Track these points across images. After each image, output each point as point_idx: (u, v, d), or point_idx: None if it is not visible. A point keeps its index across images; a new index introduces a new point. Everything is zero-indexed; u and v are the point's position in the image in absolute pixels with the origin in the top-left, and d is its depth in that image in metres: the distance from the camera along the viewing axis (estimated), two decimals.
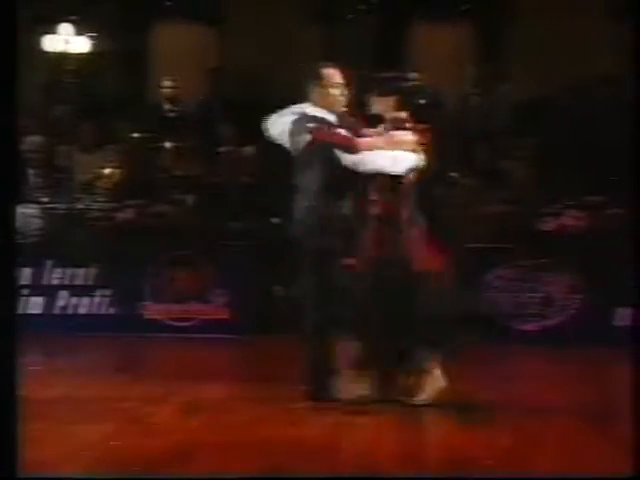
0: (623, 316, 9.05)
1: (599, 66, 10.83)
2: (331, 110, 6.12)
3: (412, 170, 6.13)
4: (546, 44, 11.42)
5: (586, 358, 8.26)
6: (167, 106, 11.29)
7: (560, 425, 5.69)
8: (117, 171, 10.38)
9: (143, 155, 10.62)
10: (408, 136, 6.12)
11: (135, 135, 10.73)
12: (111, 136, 10.93)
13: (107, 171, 10.39)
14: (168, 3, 12.69)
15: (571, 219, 9.45)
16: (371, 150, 6.03)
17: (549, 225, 9.48)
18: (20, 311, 9.74)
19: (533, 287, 9.43)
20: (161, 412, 5.93)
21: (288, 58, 12.00)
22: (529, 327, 9.40)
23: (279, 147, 10.62)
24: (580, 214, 9.45)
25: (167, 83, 11.39)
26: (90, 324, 9.65)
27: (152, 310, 9.72)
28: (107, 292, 9.79)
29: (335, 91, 6.12)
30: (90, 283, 9.82)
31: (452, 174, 10.14)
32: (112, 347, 9.14)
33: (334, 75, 6.14)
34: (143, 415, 5.86)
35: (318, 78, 6.13)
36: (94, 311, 9.81)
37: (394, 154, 6.03)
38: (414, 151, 6.11)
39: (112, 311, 9.79)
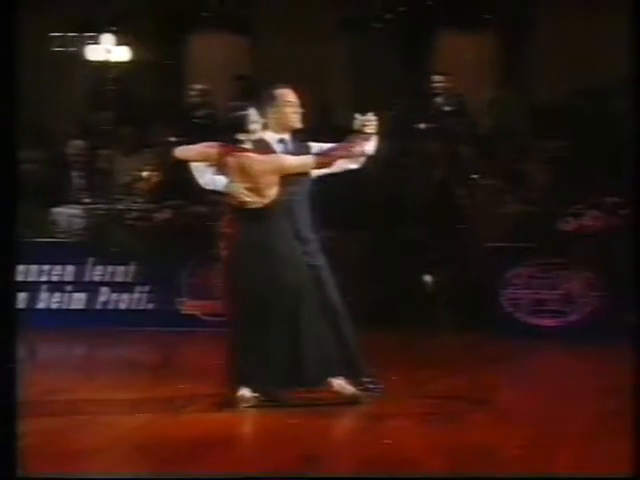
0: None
1: (616, 70, 10.76)
2: (287, 129, 6.01)
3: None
4: (565, 49, 11.36)
5: (602, 354, 8.20)
6: (202, 112, 11.33)
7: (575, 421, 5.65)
8: (155, 173, 10.41)
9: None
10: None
11: (172, 139, 10.75)
12: (149, 140, 10.97)
13: (146, 174, 10.43)
14: (204, 14, 12.72)
15: (590, 219, 9.39)
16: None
17: (569, 225, 9.43)
18: (64, 306, 9.89)
19: (553, 284, 9.38)
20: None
21: (317, 66, 12.03)
22: (549, 323, 9.36)
23: None
24: (599, 214, 9.39)
25: (202, 90, 11.43)
26: (129, 319, 9.69)
27: (189, 306, 9.75)
28: (146, 288, 9.83)
29: (289, 110, 5.99)
30: (130, 280, 9.87)
31: (474, 176, 10.14)
32: (151, 341, 9.19)
33: (287, 95, 6.02)
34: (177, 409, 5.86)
35: (272, 99, 6.02)
36: (133, 306, 9.86)
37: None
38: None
39: (151, 307, 9.83)
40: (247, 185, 5.76)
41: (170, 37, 12.70)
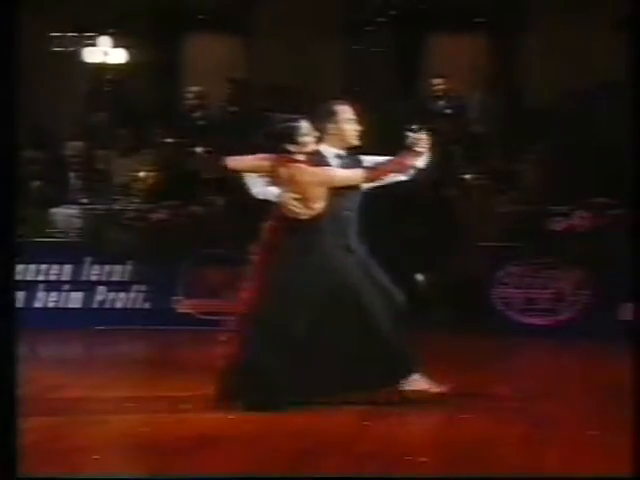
0: (629, 311, 9.02)
1: (605, 72, 10.80)
2: (345, 145, 5.98)
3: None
4: (555, 52, 11.39)
5: (593, 351, 8.23)
6: (199, 113, 11.35)
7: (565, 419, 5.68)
8: (152, 174, 10.43)
9: (176, 159, 10.67)
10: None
11: (169, 140, 10.78)
12: (146, 141, 10.99)
13: (143, 174, 10.45)
14: (202, 16, 12.74)
15: (580, 219, 9.43)
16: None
17: (560, 225, 9.46)
18: (61, 305, 9.91)
19: (544, 283, 9.41)
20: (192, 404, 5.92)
21: (313, 69, 12.05)
22: (540, 321, 9.39)
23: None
24: (588, 214, 9.42)
25: (199, 92, 11.45)
26: (126, 318, 9.71)
27: (184, 305, 9.78)
28: (142, 287, 9.85)
29: (349, 126, 5.96)
30: (126, 279, 9.89)
31: (467, 176, 10.16)
32: (146, 339, 9.22)
33: (347, 111, 5.99)
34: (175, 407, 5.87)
35: (332, 114, 5.98)
36: (130, 305, 9.88)
37: None
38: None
39: (147, 305, 9.85)
40: (296, 196, 5.74)
41: (167, 39, 12.72)
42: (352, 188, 5.90)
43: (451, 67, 11.45)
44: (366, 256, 5.98)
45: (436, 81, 10.96)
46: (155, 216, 10.00)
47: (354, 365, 5.75)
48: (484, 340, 8.69)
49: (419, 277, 9.80)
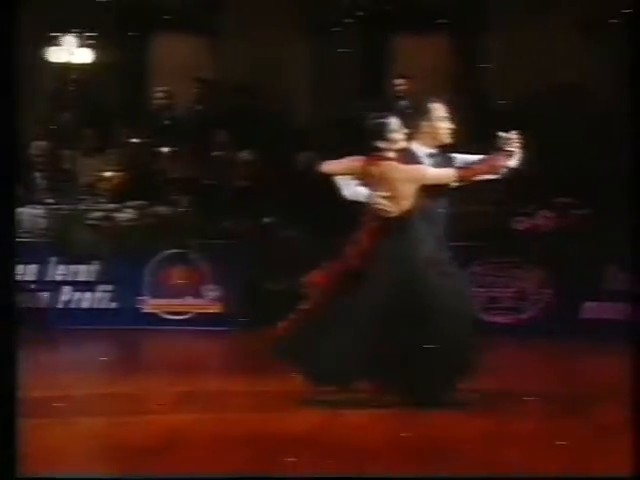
0: (590, 310, 9.12)
1: (569, 74, 10.89)
2: (438, 143, 5.99)
3: None
4: (518, 54, 11.45)
5: (555, 349, 8.29)
6: (164, 113, 11.32)
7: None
8: (117, 174, 10.39)
9: (142, 159, 10.63)
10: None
11: (134, 140, 10.74)
12: (112, 141, 10.95)
13: (108, 174, 10.41)
14: (168, 16, 12.69)
15: (543, 219, 9.50)
16: None
17: (522, 225, 9.52)
18: (25, 305, 9.83)
19: (506, 282, 9.46)
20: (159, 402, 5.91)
21: (278, 69, 12.04)
22: (502, 320, 9.43)
23: (271, 153, 10.74)
24: (551, 214, 9.49)
25: (165, 92, 11.42)
26: (91, 317, 9.67)
27: (150, 304, 9.75)
28: (108, 287, 9.81)
29: (443, 124, 5.98)
30: (92, 279, 9.84)
31: None
32: (112, 339, 9.18)
33: (441, 109, 6.00)
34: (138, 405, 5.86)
35: (426, 112, 5.99)
36: (95, 305, 9.83)
37: None
38: None
39: (112, 305, 9.81)
40: (386, 194, 5.76)
41: (133, 38, 12.65)
42: (442, 186, 5.88)
43: (416, 68, 11.48)
44: (449, 258, 5.95)
45: (400, 81, 10.99)
46: (120, 216, 9.96)
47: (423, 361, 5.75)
48: None
49: None
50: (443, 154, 5.99)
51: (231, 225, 9.86)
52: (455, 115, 6.05)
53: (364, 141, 5.84)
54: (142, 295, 9.73)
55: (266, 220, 9.94)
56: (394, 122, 5.85)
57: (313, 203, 10.08)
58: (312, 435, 5.16)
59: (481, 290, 9.42)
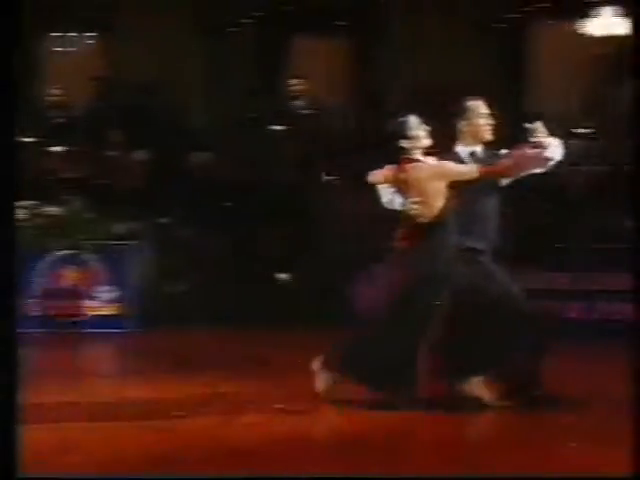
0: None
1: (465, 74, 11.03)
2: (479, 141, 5.89)
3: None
4: (415, 53, 11.57)
5: None
6: (57, 112, 11.08)
7: None
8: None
9: (33, 158, 10.38)
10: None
11: (25, 140, 10.48)
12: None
13: None
14: (61, 14, 12.44)
15: None
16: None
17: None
18: None
19: None
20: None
21: (174, 69, 11.91)
22: None
23: (166, 152, 10.61)
24: None
25: (58, 90, 11.19)
26: None
27: (40, 307, 9.50)
28: None
29: (482, 121, 5.87)
30: None
31: (330, 177, 10.21)
32: None
33: (480, 106, 5.88)
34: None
35: (464, 111, 5.88)
36: None
37: None
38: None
39: None
40: (417, 199, 5.67)
41: (25, 35, 12.37)
42: (478, 184, 5.70)
43: (312, 68, 11.49)
44: (491, 259, 5.82)
45: (296, 81, 10.98)
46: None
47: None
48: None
49: (281, 276, 9.79)
50: (488, 151, 5.90)
51: (126, 225, 9.69)
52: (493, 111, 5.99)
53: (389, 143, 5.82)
54: (32, 297, 9.47)
55: (162, 220, 9.81)
56: (413, 120, 5.77)
57: (209, 203, 10.01)
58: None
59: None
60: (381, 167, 5.87)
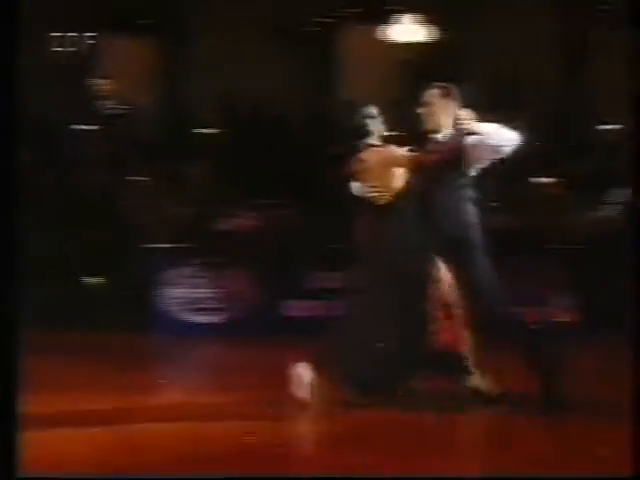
0: (290, 308, 9.35)
1: (266, 79, 11.15)
2: (437, 128, 5.94)
3: None
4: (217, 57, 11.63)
5: (262, 345, 8.38)
6: None
7: None
8: None
9: None
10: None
11: None
12: None
13: None
14: None
15: (246, 219, 9.65)
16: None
17: (226, 225, 9.63)
18: None
19: (212, 283, 9.52)
20: None
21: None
22: (209, 320, 9.47)
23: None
24: (254, 215, 9.66)
25: None
26: None
27: None
28: None
29: (435, 109, 5.91)
30: None
31: (136, 177, 10.12)
32: None
33: (434, 94, 5.91)
34: None
35: (421, 101, 5.94)
36: None
37: None
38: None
39: None
40: (372, 183, 5.80)
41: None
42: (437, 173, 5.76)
43: (120, 68, 11.37)
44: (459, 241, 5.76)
45: (103, 82, 10.84)
46: None
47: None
48: (150, 340, 8.71)
49: (90, 280, 9.65)
50: (456, 135, 5.88)
51: None
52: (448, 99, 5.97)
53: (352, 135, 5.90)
54: None
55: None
56: (370, 111, 5.93)
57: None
58: None
59: (188, 291, 9.46)
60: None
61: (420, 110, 5.93)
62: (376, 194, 5.83)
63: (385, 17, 12.08)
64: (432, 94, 5.95)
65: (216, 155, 10.30)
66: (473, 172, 5.87)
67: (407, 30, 12.01)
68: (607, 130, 10.79)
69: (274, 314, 9.30)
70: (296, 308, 9.28)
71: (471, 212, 5.80)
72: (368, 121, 5.94)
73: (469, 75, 9.95)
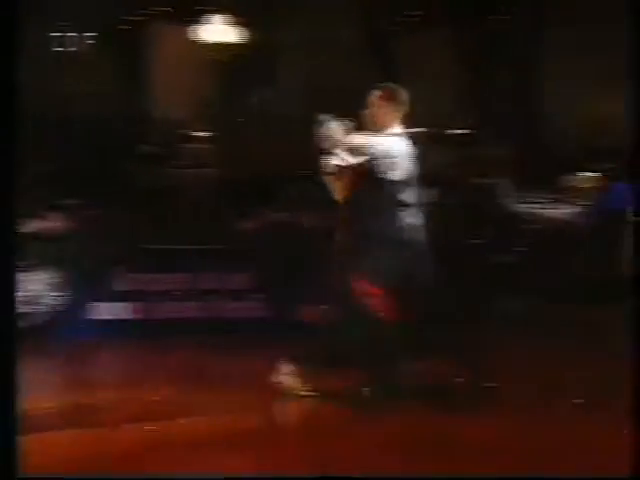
0: (98, 310, 9.19)
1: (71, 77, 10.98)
2: (380, 128, 6.03)
3: None
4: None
5: (71, 349, 8.23)
6: None
7: None
8: None
9: None
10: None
11: None
12: None
13: None
14: None
15: (51, 221, 9.45)
16: None
17: (30, 227, 9.37)
18: None
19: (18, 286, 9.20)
20: None
21: None
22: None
23: None
24: (59, 216, 9.46)
25: None
26: None
27: None
28: None
29: (377, 110, 6.03)
30: None
31: None
32: None
33: (376, 95, 6.02)
34: None
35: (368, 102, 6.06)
36: None
37: None
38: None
39: None
40: (334, 183, 6.11)
41: None
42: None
43: None
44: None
45: None
46: None
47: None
48: None
49: None
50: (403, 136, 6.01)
51: None
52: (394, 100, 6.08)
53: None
54: None
55: None
56: (327, 117, 6.04)
57: None
58: None
59: None
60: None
61: (364, 111, 6.07)
62: (335, 194, 6.15)
63: (196, 17, 12.08)
64: (374, 95, 6.06)
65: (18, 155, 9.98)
66: (395, 179, 5.99)
67: (218, 30, 12.05)
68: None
69: (81, 317, 9.14)
70: (105, 310, 9.17)
71: (402, 215, 5.97)
72: (331, 130, 6.06)
73: (284, 77, 10.10)
